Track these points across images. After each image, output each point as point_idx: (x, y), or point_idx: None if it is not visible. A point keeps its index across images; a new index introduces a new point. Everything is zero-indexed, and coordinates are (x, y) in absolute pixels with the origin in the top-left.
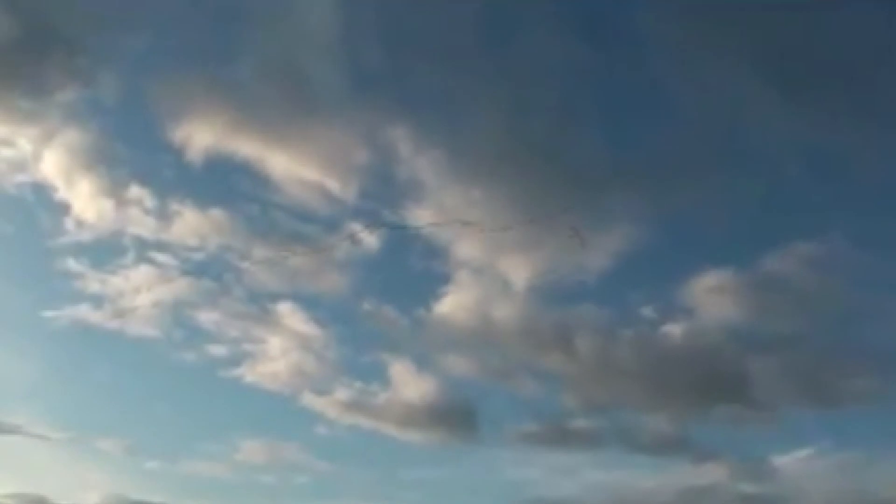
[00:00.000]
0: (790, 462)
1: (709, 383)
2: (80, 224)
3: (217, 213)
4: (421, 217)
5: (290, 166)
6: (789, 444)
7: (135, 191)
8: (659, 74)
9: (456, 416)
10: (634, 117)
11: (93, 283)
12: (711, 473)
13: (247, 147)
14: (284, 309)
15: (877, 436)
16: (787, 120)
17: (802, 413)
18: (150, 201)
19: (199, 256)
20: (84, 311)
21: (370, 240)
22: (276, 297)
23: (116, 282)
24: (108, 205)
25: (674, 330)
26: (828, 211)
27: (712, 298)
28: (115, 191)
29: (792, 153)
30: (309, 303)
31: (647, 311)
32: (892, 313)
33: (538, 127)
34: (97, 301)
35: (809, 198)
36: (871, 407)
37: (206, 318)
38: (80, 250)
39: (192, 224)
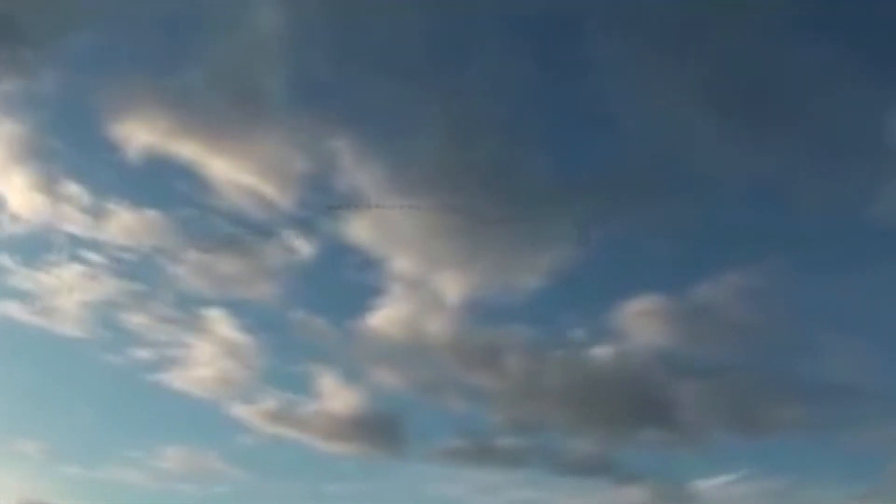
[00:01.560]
0: (711, 487)
1: (636, 407)
2: (11, 218)
3: (152, 215)
4: (358, 229)
5: (230, 171)
6: (712, 469)
7: (69, 187)
8: (606, 99)
9: (382, 430)
10: (579, 140)
11: (21, 279)
12: (633, 496)
13: (187, 149)
14: (214, 315)
15: (800, 465)
16: (729, 149)
17: (727, 440)
18: (84, 199)
19: (130, 257)
20: (12, 309)
21: (305, 248)
22: (205, 302)
23: (46, 279)
24: (40, 200)
25: (603, 352)
26: (763, 242)
27: (643, 323)
28: (48, 186)
29: (732, 183)
30: (239, 310)
31: (577, 333)
32: (822, 346)
33: (484, 146)
34: (25, 298)
35: (746, 228)
36: (797, 436)
37: (134, 320)
38: (10, 245)
39: (126, 224)
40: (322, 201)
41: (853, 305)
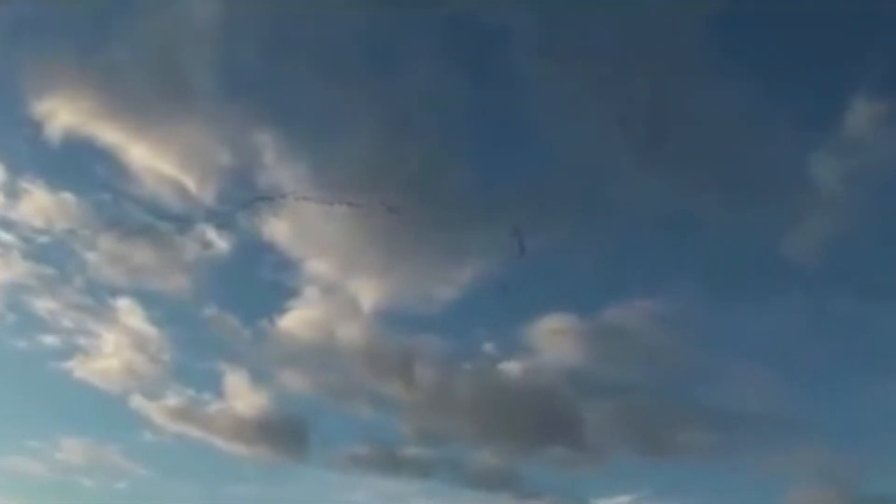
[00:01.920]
0: None
1: (542, 423)
2: None
3: (68, 197)
4: (277, 228)
5: (150, 158)
6: (612, 488)
7: None
8: (532, 116)
9: (287, 434)
10: (503, 154)
11: None
12: None
13: (108, 133)
14: (123, 305)
15: (702, 488)
16: (649, 175)
17: (630, 460)
18: None
19: (43, 240)
20: None
21: (221, 243)
22: (116, 291)
23: None
24: None
25: (513, 368)
26: (676, 269)
27: (554, 341)
28: None
29: (649, 208)
30: (149, 301)
31: (489, 347)
32: (728, 373)
33: (410, 153)
34: None
35: (660, 253)
36: (700, 460)
37: (43, 305)
38: None
39: (40, 205)
40: (243, 196)
41: (760, 335)
